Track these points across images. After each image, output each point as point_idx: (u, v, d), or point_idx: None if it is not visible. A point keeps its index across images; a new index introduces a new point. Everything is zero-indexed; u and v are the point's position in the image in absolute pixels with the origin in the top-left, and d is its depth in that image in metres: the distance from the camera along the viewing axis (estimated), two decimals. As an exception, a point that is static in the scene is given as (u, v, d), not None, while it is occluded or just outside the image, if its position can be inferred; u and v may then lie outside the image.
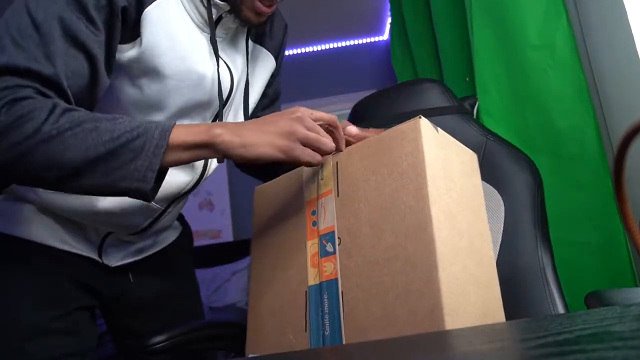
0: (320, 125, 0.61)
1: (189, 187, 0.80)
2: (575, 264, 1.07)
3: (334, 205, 0.62)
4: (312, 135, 0.58)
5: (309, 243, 0.64)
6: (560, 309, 0.71)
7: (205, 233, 3.26)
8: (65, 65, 0.57)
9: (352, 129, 0.66)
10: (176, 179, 0.77)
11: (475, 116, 0.99)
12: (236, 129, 0.57)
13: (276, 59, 0.91)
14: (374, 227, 0.56)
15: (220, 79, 0.74)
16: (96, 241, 0.80)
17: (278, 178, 0.73)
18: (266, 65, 0.89)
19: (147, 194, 0.56)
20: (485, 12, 1.27)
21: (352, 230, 0.59)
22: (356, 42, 3.68)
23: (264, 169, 0.89)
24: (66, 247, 0.77)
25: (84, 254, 0.79)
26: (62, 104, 0.55)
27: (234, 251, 3.19)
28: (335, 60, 3.63)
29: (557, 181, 1.10)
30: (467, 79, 1.49)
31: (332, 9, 3.15)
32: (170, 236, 0.95)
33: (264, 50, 0.88)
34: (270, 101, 0.96)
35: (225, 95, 0.77)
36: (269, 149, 0.56)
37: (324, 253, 0.61)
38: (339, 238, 0.60)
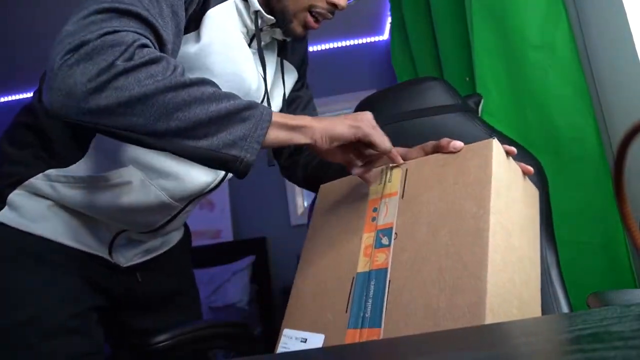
0: None
1: (210, 187, 0.82)
2: (575, 263, 1.07)
3: (396, 205, 0.66)
4: (378, 128, 0.65)
5: (365, 235, 0.68)
6: (565, 309, 0.72)
7: (205, 233, 3.26)
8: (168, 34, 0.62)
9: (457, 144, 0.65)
10: (199, 179, 0.79)
11: (480, 114, 0.98)
12: (317, 118, 0.64)
13: (298, 71, 0.96)
14: (431, 227, 0.60)
15: (259, 86, 0.79)
16: (107, 239, 0.81)
17: (343, 178, 0.78)
18: (289, 78, 0.93)
19: (249, 166, 0.57)
20: (485, 12, 1.27)
21: (410, 229, 0.63)
22: (356, 42, 3.68)
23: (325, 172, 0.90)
24: (78, 245, 0.78)
25: (96, 252, 0.80)
26: (181, 64, 0.58)
27: (234, 251, 3.19)
28: (335, 60, 3.62)
29: (557, 181, 1.10)
30: (467, 79, 1.49)
31: (332, 9, 3.15)
32: (176, 236, 0.96)
33: (287, 64, 0.92)
34: (307, 101, 1.00)
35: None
36: (345, 127, 0.63)
37: (378, 244, 0.65)
38: (395, 233, 0.64)
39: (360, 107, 1.04)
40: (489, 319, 0.49)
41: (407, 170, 0.69)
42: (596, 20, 1.11)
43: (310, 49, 3.69)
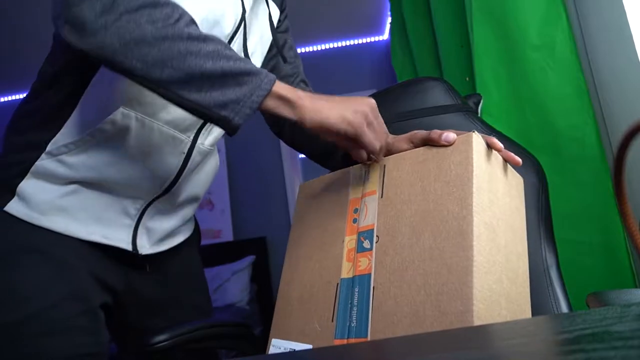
0: None
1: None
2: (575, 263, 1.07)
3: (376, 205, 0.64)
4: (376, 124, 0.63)
5: (347, 239, 0.66)
6: (564, 309, 0.71)
7: (205, 233, 3.26)
8: None
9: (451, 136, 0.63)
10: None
11: (480, 114, 0.98)
12: (315, 97, 0.62)
13: (281, 10, 0.94)
14: (413, 229, 0.58)
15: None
16: (132, 219, 0.79)
17: (324, 176, 0.76)
18: (273, 14, 0.91)
19: (237, 128, 0.60)
20: (485, 12, 1.27)
21: (391, 230, 0.60)
22: (356, 42, 3.68)
23: (324, 154, 0.90)
24: (92, 237, 0.75)
25: (112, 243, 0.77)
26: (187, 12, 0.59)
27: (234, 251, 3.19)
28: (335, 60, 3.63)
29: (557, 181, 1.11)
30: (467, 79, 1.49)
31: (332, 9, 3.15)
32: (189, 228, 0.95)
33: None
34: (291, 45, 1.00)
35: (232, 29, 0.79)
36: (338, 118, 0.61)
37: (360, 249, 0.63)
38: (377, 236, 0.62)
39: None
40: (477, 324, 0.48)
41: (385, 166, 0.67)
42: (596, 20, 1.11)
43: (310, 49, 3.70)
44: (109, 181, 0.75)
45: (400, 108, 0.94)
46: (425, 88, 0.96)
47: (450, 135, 0.60)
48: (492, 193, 0.59)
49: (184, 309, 0.91)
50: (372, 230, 0.63)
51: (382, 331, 0.55)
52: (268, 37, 0.91)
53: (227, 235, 3.35)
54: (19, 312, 0.68)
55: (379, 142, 0.63)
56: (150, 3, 0.57)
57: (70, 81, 0.72)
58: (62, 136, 0.72)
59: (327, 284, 0.65)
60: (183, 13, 0.59)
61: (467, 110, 0.92)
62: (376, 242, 0.62)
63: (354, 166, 0.71)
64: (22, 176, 0.72)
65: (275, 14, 0.94)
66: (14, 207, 0.72)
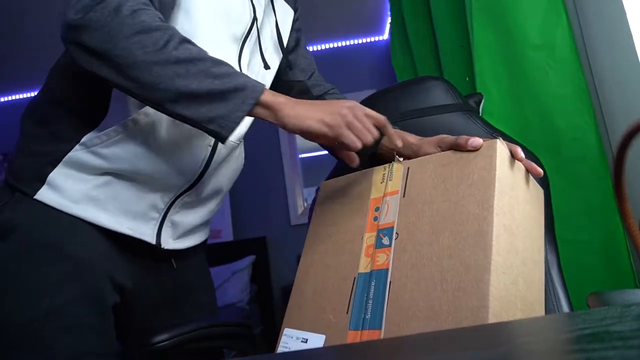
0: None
1: None
2: (576, 263, 1.07)
3: (397, 204, 0.66)
4: (357, 123, 0.65)
5: (367, 235, 0.67)
6: (565, 309, 0.72)
7: (206, 233, 3.26)
8: None
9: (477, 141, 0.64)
10: None
11: (481, 114, 0.98)
12: (298, 103, 0.67)
13: (294, 10, 0.99)
14: (433, 228, 0.59)
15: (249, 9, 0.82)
16: (161, 211, 0.80)
17: (345, 176, 0.78)
18: (285, 12, 0.95)
19: (226, 139, 0.65)
20: (485, 12, 1.27)
21: (411, 228, 0.62)
22: (356, 42, 3.68)
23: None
24: (121, 228, 0.76)
25: (137, 235, 0.78)
26: (178, 33, 0.65)
27: (234, 251, 3.19)
28: (335, 60, 3.62)
29: (557, 180, 1.11)
30: (467, 79, 1.49)
31: (332, 9, 3.15)
32: (207, 231, 0.98)
33: (281, 0, 0.94)
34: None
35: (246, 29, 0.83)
36: (316, 122, 0.64)
37: (379, 245, 0.65)
38: (396, 233, 0.63)
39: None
40: (492, 322, 0.48)
41: (409, 168, 0.69)
42: (596, 20, 1.11)
43: (310, 49, 3.69)
44: (141, 173, 0.76)
45: (401, 107, 0.94)
46: (425, 87, 0.95)
47: (476, 140, 0.63)
48: (513, 199, 0.60)
49: (192, 308, 0.92)
50: (392, 227, 0.64)
51: (396, 324, 0.56)
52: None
53: (227, 235, 3.35)
54: (34, 309, 0.69)
55: (360, 141, 0.65)
56: (143, 29, 0.62)
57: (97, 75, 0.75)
58: (98, 130, 0.74)
59: (344, 278, 0.66)
60: (172, 35, 0.64)
61: (468, 109, 0.92)
62: (395, 239, 0.63)
63: (377, 167, 0.73)
64: (52, 165, 0.73)
65: (289, 13, 0.97)
66: (45, 194, 0.73)
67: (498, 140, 0.61)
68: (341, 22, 3.38)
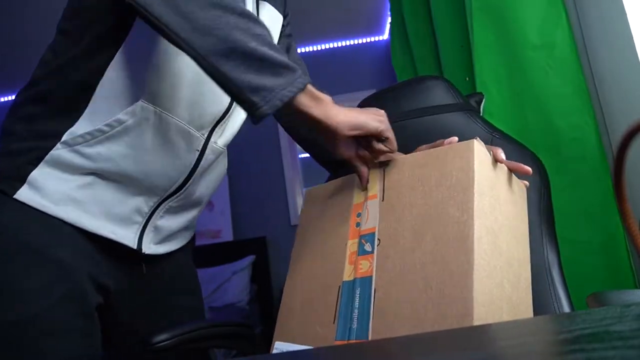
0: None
1: (226, 108, 0.82)
2: (575, 263, 1.07)
3: (377, 209, 0.65)
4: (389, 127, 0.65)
5: (350, 242, 0.66)
6: (566, 309, 0.71)
7: (205, 233, 3.26)
8: None
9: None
10: (213, 101, 0.79)
11: (482, 113, 0.98)
12: (338, 106, 0.65)
13: (284, 15, 0.96)
14: (415, 233, 0.58)
15: None
16: (144, 215, 0.79)
17: (329, 182, 0.77)
18: (273, 19, 0.92)
19: (264, 116, 0.60)
20: (485, 12, 1.27)
21: (393, 234, 0.61)
22: (356, 42, 3.68)
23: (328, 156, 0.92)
24: (101, 231, 0.74)
25: (118, 239, 0.77)
26: None
27: (233, 251, 3.19)
28: (335, 60, 3.63)
29: (557, 181, 1.10)
30: (467, 79, 1.49)
31: (332, 9, 3.15)
32: (189, 234, 0.95)
33: (269, 6, 0.92)
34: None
35: None
36: (370, 119, 0.64)
37: (361, 252, 0.63)
38: (378, 239, 0.62)
39: (361, 107, 1.03)
40: None
41: (384, 170, 0.67)
42: (596, 20, 1.11)
43: (310, 48, 3.70)
44: (126, 175, 0.74)
45: (402, 107, 0.94)
46: (426, 87, 0.95)
47: (453, 138, 0.64)
48: (494, 199, 0.59)
49: (176, 310, 0.91)
50: (374, 233, 0.63)
51: (382, 333, 0.55)
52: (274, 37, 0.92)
53: (227, 235, 3.35)
54: (18, 313, 0.68)
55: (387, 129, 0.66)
56: None
57: (81, 70, 0.72)
58: (79, 126, 0.71)
59: (329, 287, 0.65)
60: None
61: (468, 109, 0.92)
62: (378, 245, 0.62)
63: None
64: (33, 164, 0.71)
65: (278, 19, 0.94)
66: (25, 194, 0.71)
67: (475, 139, 0.60)
68: (341, 22, 3.38)
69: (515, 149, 0.85)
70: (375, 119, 0.65)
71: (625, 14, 0.98)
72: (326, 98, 0.64)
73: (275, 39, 0.94)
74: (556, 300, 0.72)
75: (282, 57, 0.60)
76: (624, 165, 0.33)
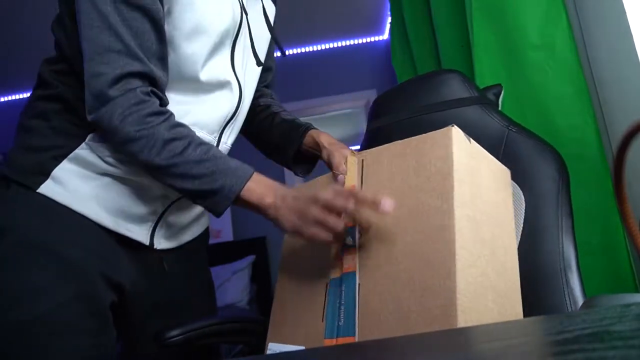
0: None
1: (235, 108, 0.85)
2: (575, 263, 1.07)
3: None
4: (328, 219, 0.62)
5: None
6: (580, 300, 0.69)
7: (205, 233, 3.26)
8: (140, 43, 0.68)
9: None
10: (219, 103, 0.81)
11: (500, 106, 0.95)
12: (276, 199, 0.73)
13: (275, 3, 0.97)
14: (395, 224, 0.57)
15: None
16: (159, 213, 0.81)
17: (314, 180, 0.76)
18: (270, 8, 0.93)
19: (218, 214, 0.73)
20: (485, 12, 1.27)
21: (374, 226, 0.60)
22: (356, 41, 3.68)
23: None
24: (117, 227, 0.76)
25: (132, 235, 0.78)
26: (162, 136, 0.68)
27: (234, 251, 3.19)
28: (335, 60, 3.62)
29: (557, 181, 1.10)
30: (467, 79, 1.49)
31: (332, 9, 3.15)
32: (202, 224, 0.97)
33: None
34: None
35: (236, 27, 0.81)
36: (286, 223, 0.70)
37: (345, 246, 0.63)
38: (359, 232, 0.61)
39: (378, 103, 1.02)
40: (461, 319, 0.47)
41: (363, 160, 0.66)
42: (596, 20, 1.11)
43: (310, 49, 3.70)
44: (144, 181, 0.77)
45: (418, 102, 0.92)
46: (441, 81, 0.93)
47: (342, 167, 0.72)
48: (475, 186, 0.58)
49: (191, 309, 0.91)
50: (354, 226, 0.62)
51: (368, 328, 0.54)
52: (267, 35, 0.92)
53: (227, 235, 3.35)
54: (28, 312, 0.68)
55: (322, 233, 0.63)
56: (128, 139, 0.68)
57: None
58: (101, 137, 0.73)
59: (318, 286, 0.65)
60: (155, 141, 0.68)
61: (484, 102, 0.90)
62: (359, 239, 0.61)
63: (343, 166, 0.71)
64: (57, 160, 0.73)
65: (272, 10, 0.95)
66: (50, 188, 0.72)
67: (453, 127, 0.58)
68: (341, 22, 3.38)
69: (533, 142, 0.81)
70: (296, 229, 0.68)
71: (625, 14, 0.98)
72: (266, 203, 0.74)
73: (267, 32, 0.94)
74: (572, 304, 0.68)
75: (205, 184, 0.69)
76: (624, 166, 0.33)
